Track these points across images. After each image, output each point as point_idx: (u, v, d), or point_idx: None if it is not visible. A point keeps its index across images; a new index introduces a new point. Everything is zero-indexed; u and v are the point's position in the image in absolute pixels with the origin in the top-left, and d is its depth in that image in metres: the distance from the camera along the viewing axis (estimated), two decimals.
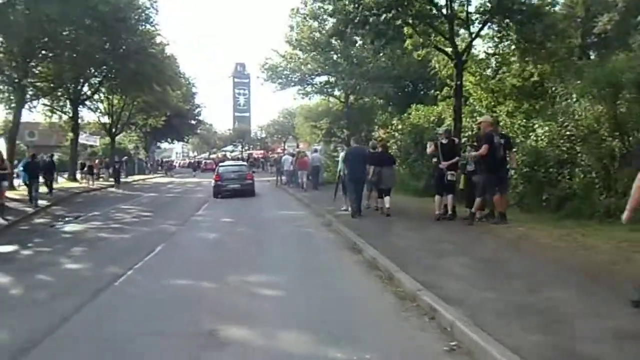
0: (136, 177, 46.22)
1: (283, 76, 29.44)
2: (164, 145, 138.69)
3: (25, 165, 20.39)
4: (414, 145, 18.98)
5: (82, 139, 42.87)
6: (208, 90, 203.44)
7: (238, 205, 18.99)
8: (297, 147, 48.91)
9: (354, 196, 13.33)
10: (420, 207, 14.21)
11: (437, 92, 20.77)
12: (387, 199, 13.31)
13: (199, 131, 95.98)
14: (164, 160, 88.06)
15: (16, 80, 26.23)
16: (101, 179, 38.85)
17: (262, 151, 71.52)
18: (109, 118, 44.72)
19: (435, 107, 19.66)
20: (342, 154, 15.89)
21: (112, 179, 35.32)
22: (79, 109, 37.57)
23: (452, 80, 16.82)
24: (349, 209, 13.59)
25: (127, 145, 57.90)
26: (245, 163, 32.98)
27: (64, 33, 27.89)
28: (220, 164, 29.06)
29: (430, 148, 12.02)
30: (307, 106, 37.22)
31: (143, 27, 34.59)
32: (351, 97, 30.39)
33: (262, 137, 70.60)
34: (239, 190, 22.11)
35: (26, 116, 42.13)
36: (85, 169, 32.17)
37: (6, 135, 27.55)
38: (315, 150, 27.04)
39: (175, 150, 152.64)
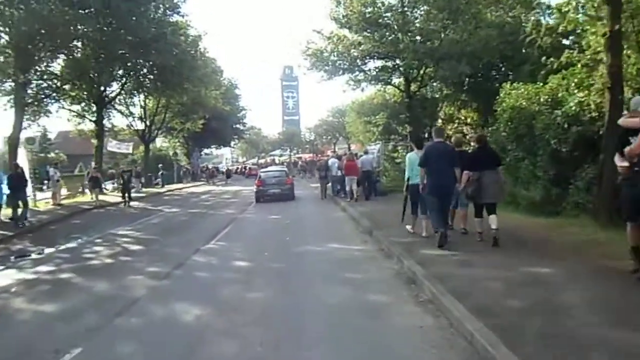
0: (173, 187, 42.19)
1: (330, 62, 24.22)
2: (214, 151, 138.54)
3: (9, 179, 16.04)
4: (514, 138, 13.35)
5: (112, 146, 39.15)
6: (258, 95, 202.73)
7: (268, 228, 13.94)
8: (349, 149, 43.83)
9: (438, 216, 9.20)
10: (545, 233, 9.24)
11: (540, 65, 14.89)
12: (493, 218, 8.80)
13: (246, 135, 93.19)
14: (213, 167, 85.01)
15: (13, 78, 22.23)
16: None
17: (310, 155, 66.67)
18: (142, 123, 40.88)
19: (541, 84, 13.87)
20: (410, 155, 10.85)
21: (129, 191, 31.02)
22: (104, 112, 33.73)
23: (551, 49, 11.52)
24: (425, 232, 9.98)
25: (167, 151, 54.28)
26: (285, 169, 30.77)
27: (79, 26, 23.99)
28: (262, 170, 29.48)
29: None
30: (359, 100, 31.94)
31: (168, 16, 30.41)
32: (413, 85, 24.87)
33: (311, 139, 65.73)
34: (279, 194, 22.73)
35: (58, 125, 38.17)
36: (87, 181, 27.45)
37: (7, 141, 23.56)
38: (366, 152, 21.67)
39: (225, 156, 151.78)
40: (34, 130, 29.73)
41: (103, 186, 27.09)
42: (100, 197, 25.42)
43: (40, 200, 23.94)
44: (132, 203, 24.43)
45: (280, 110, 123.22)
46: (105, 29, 25.48)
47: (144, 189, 37.28)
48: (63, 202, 23.89)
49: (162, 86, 33.24)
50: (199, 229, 13.97)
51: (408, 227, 10.59)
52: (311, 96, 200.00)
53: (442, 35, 21.04)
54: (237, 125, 69.83)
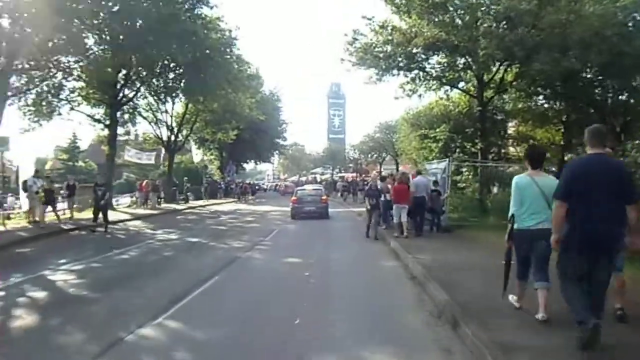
0: (199, 203, 37.76)
1: (381, 56, 19.15)
2: (257, 166, 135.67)
3: None
4: None
5: (131, 155, 35.12)
6: (302, 111, 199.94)
7: (272, 286, 8.59)
8: (397, 169, 38.33)
9: (583, 297, 4.82)
10: None
11: None
12: None
13: (288, 151, 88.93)
14: (244, 183, 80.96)
15: None
16: (147, 205, 30.66)
17: (353, 174, 61.38)
18: (167, 130, 36.75)
19: None
20: (519, 180, 5.88)
21: (105, 211, 26.61)
22: (120, 115, 29.69)
23: None
24: (542, 312, 5.50)
25: (198, 164, 50.16)
26: (321, 188, 28.85)
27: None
28: (298, 188, 28.83)
29: None
30: (415, 111, 26.68)
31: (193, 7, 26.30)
32: (487, 92, 19.51)
33: (355, 157, 60.48)
34: (314, 212, 22.57)
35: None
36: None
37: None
38: (420, 172, 16.31)
39: (267, 173, 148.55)
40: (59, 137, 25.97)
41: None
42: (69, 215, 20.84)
43: (18, 214, 19.74)
44: (129, 223, 19.93)
45: (325, 128, 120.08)
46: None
47: (164, 205, 33.00)
48: (50, 218, 19.20)
49: (185, 86, 29.05)
50: (170, 280, 8.87)
51: (512, 298, 6.14)
52: (358, 115, 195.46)
53: (536, 19, 15.54)
54: (278, 140, 65.56)
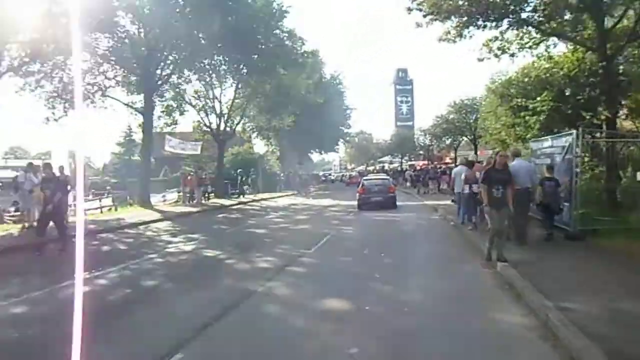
0: (254, 198, 34.18)
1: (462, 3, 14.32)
2: (324, 157, 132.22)
3: None
4: None
5: (173, 145, 31.81)
6: (368, 100, 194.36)
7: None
8: (475, 154, 32.91)
9: None
10: None
11: None
12: None
13: (353, 139, 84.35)
14: (315, 174, 77.24)
15: None
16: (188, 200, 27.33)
17: (424, 162, 55.99)
18: (216, 117, 33.32)
19: None
20: None
21: (60, 218, 23.14)
22: (155, 98, 26.41)
23: None
24: None
25: (254, 154, 46.58)
26: (388, 177, 28.77)
27: None
28: (365, 178, 27.54)
29: None
30: (502, 78, 21.36)
31: None
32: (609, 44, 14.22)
33: (426, 143, 55.01)
34: (381, 202, 21.79)
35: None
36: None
37: None
38: (517, 155, 11.34)
39: (334, 163, 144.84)
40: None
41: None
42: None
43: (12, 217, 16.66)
44: (153, 226, 16.34)
45: (392, 116, 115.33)
46: None
47: (213, 200, 29.59)
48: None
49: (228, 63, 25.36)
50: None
51: None
52: (427, 101, 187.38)
53: None
54: (342, 128, 61.27)
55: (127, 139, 52.58)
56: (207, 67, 28.09)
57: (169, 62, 25.33)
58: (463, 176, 13.91)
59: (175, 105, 31.50)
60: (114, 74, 24.45)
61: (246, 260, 9.99)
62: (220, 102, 33.38)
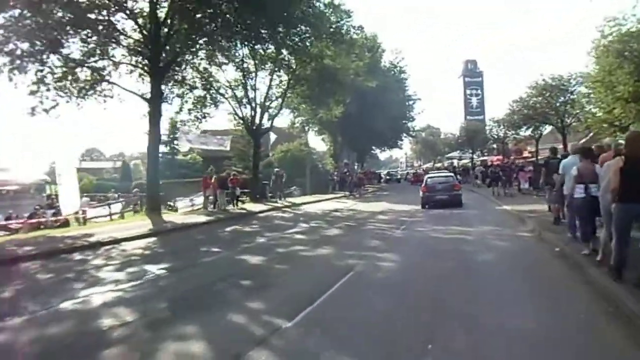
0: (300, 200, 29.46)
1: None
2: (392, 154, 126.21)
3: None
4: None
5: (190, 140, 27.31)
6: (436, 93, 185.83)
7: None
8: (564, 147, 26.13)
9: None
10: None
11: None
12: None
13: (420, 134, 78.21)
14: (374, 172, 71.37)
15: None
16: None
17: (498, 157, 48.90)
18: (248, 105, 28.53)
19: None
20: None
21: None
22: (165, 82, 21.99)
23: None
24: None
25: (304, 151, 41.46)
26: (452, 174, 27.16)
27: None
28: (428, 175, 25.82)
29: None
30: (619, 28, 14.90)
31: None
32: None
33: (500, 135, 47.79)
34: (446, 200, 20.83)
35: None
36: None
37: None
38: None
39: (400, 160, 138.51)
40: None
41: None
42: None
43: None
44: (124, 247, 11.69)
45: (461, 110, 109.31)
46: None
47: (244, 206, 24.92)
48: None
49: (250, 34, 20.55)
50: None
51: None
52: (497, 95, 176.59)
53: None
54: (404, 121, 55.27)
55: (171, 137, 48.96)
56: (222, 40, 23.21)
57: (177, 35, 20.74)
58: (575, 171, 8.36)
59: (204, 95, 27.36)
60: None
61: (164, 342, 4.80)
62: (254, 89, 28.59)
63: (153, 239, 14.11)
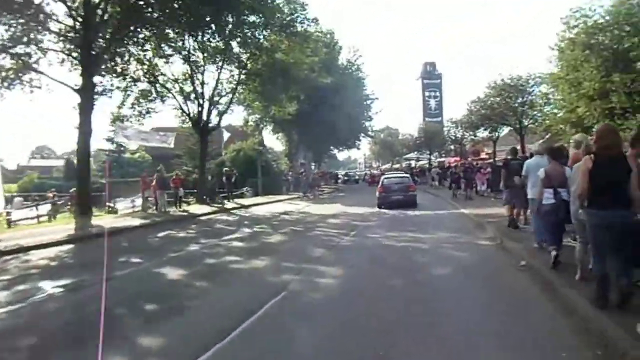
0: (251, 201, 27.89)
1: None
2: (349, 155, 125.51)
3: None
4: None
5: (128, 135, 25.39)
6: (394, 95, 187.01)
7: None
8: (521, 150, 25.29)
9: None
10: None
11: None
12: None
13: (378, 135, 77.52)
14: (333, 172, 70.31)
15: None
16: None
17: (454, 159, 48.44)
18: (195, 101, 26.76)
19: None
20: None
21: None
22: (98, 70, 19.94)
23: None
24: None
25: (254, 150, 39.64)
26: (407, 175, 27.28)
27: None
28: (384, 176, 26.67)
29: None
30: (585, 21, 13.87)
31: None
32: None
33: (458, 136, 47.25)
34: (401, 200, 21.13)
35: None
36: None
37: None
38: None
39: (359, 161, 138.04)
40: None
41: None
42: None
43: None
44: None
45: (420, 112, 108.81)
46: None
47: (188, 207, 23.20)
48: None
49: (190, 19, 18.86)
50: None
51: None
52: (456, 94, 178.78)
53: None
54: (363, 121, 54.24)
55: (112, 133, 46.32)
56: (167, 30, 21.53)
57: (110, 21, 18.88)
58: (542, 174, 7.41)
59: (149, 89, 25.61)
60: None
61: None
62: (203, 84, 26.79)
63: (69, 246, 12.38)
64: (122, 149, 45.69)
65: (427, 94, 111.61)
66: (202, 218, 19.83)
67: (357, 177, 70.86)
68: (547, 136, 30.25)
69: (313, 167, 62.63)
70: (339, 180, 64.83)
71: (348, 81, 45.58)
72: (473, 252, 9.58)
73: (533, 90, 29.12)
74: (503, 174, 12.59)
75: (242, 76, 27.66)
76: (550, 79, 16.42)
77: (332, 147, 60.88)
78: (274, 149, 54.83)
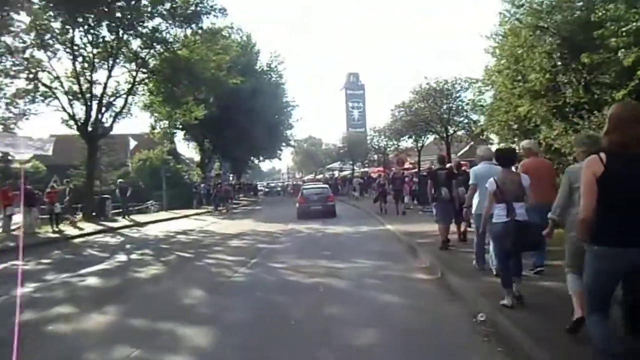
0: (153, 217, 24.39)
1: None
2: (273, 166, 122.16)
3: None
4: None
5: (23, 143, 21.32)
6: (317, 106, 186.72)
7: None
8: (448, 159, 23.18)
9: None
10: None
11: None
12: None
13: (302, 144, 75.33)
14: (267, 185, 66.71)
15: None
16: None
17: (377, 169, 46.54)
18: (83, 102, 22.92)
19: None
20: None
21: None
22: None
23: None
24: None
25: (168, 158, 35.74)
26: (326, 186, 27.47)
27: None
28: (304, 187, 26.93)
29: None
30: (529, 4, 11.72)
31: None
32: None
33: (380, 145, 45.25)
34: (320, 211, 21.36)
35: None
36: None
37: None
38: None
39: (282, 172, 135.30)
40: None
41: None
42: None
43: None
44: None
45: (344, 123, 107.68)
46: None
47: (62, 226, 19.32)
48: None
49: None
50: None
51: None
52: (381, 105, 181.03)
53: None
54: (282, 128, 51.39)
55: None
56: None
57: None
58: (492, 185, 5.63)
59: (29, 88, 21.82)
60: None
61: None
62: (92, 83, 22.89)
63: None
64: (9, 158, 40.22)
65: (350, 104, 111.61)
66: (76, 241, 16.13)
67: (279, 189, 67.52)
68: (471, 143, 28.69)
69: (231, 178, 59.07)
70: (260, 192, 61.68)
71: (266, 86, 42.67)
72: (408, 295, 6.84)
73: (459, 96, 27.45)
74: (430, 186, 10.45)
75: (139, 74, 24.10)
76: (485, 73, 14.19)
77: (252, 157, 57.36)
78: (193, 159, 50.94)
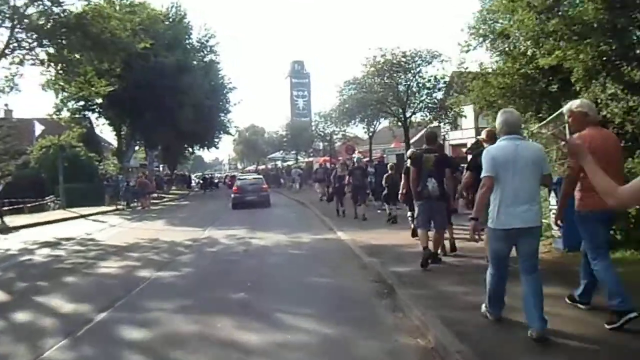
0: (42, 217, 19.27)
1: None
2: (216, 156, 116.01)
3: None
4: None
5: None
6: (262, 95, 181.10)
7: None
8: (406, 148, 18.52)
9: None
10: None
11: None
12: None
13: (244, 133, 70.30)
14: (202, 176, 60.66)
15: None
16: None
17: (323, 158, 41.98)
18: None
19: None
20: None
21: None
22: None
23: None
24: None
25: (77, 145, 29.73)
26: (261, 176, 28.27)
27: None
28: (239, 177, 27.97)
29: None
30: None
31: None
32: None
33: (326, 132, 40.59)
34: (255, 201, 21.68)
35: None
36: None
37: None
38: None
39: (223, 162, 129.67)
40: None
41: None
42: None
43: None
44: None
45: (288, 111, 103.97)
46: None
47: None
48: None
49: None
50: None
51: None
52: (325, 93, 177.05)
53: None
54: (221, 115, 45.88)
55: None
56: None
57: None
58: None
59: None
60: None
61: None
62: None
63: None
64: None
65: (295, 93, 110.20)
66: None
67: (217, 180, 61.15)
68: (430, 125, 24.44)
69: (161, 169, 53.24)
70: (193, 184, 56.18)
71: (197, 64, 37.17)
72: None
73: (419, 71, 23.15)
74: (413, 174, 7.24)
75: (20, 34, 18.53)
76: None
77: (186, 146, 51.24)
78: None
